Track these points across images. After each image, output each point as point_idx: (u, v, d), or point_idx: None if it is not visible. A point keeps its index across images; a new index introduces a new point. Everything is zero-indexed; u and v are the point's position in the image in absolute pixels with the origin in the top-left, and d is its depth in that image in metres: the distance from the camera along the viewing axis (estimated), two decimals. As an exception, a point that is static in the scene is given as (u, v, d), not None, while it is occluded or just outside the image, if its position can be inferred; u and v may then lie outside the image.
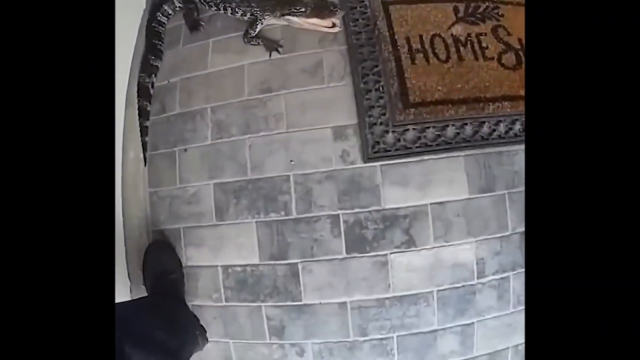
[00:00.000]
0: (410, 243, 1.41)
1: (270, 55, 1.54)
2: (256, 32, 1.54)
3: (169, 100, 1.62)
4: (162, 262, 1.52)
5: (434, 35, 1.54)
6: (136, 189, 1.61)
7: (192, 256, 1.53)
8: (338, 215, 1.43)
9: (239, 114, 1.52)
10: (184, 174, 1.56)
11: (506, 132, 1.48)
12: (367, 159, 1.43)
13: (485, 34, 1.57)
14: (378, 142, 1.43)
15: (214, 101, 1.55)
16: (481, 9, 1.60)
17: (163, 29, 1.69)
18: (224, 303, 1.50)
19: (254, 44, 1.55)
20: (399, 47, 1.50)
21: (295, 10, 1.45)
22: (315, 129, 1.46)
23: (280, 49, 1.54)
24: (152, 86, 1.64)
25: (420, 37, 1.53)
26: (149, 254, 1.55)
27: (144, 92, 1.62)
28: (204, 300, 1.53)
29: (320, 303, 1.43)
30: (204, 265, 1.52)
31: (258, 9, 1.51)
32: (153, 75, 1.63)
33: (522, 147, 1.47)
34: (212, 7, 1.61)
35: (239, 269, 1.48)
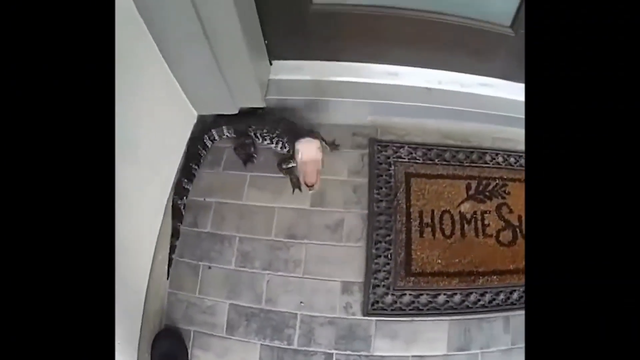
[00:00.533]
0: None
1: (293, 191, 1.82)
2: (288, 167, 1.79)
3: (202, 217, 1.86)
4: (170, 345, 1.71)
5: (444, 212, 1.80)
6: (158, 288, 1.81)
7: (199, 356, 1.74)
8: (332, 354, 1.67)
9: (263, 251, 1.77)
10: (205, 287, 1.76)
11: (490, 302, 1.74)
12: (366, 313, 1.69)
13: (489, 212, 1.84)
14: (377, 302, 1.69)
15: (243, 232, 1.80)
16: (490, 187, 1.86)
17: (205, 152, 1.92)
18: None
19: (284, 174, 1.82)
20: (411, 220, 1.77)
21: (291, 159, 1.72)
22: (327, 280, 1.73)
23: (301, 189, 1.80)
24: (184, 207, 1.84)
25: (432, 212, 1.79)
26: (158, 338, 1.72)
27: (176, 213, 1.80)
28: None
29: None
30: None
31: (288, 143, 1.78)
32: (185, 197, 1.85)
33: (502, 314, 1.73)
34: (265, 140, 1.87)
35: None
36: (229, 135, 1.93)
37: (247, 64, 1.68)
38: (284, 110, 1.98)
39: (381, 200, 1.80)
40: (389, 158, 1.86)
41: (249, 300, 1.72)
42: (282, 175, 1.84)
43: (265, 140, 1.87)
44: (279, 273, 1.75)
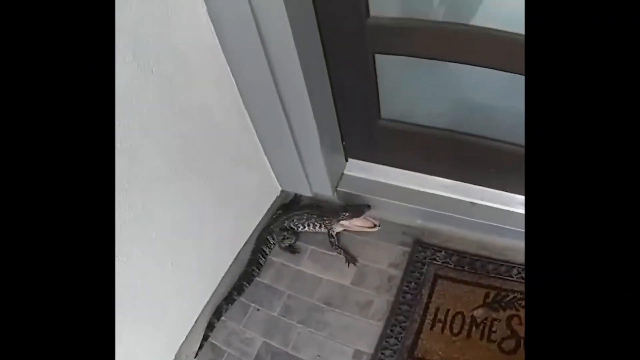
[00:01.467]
0: None
1: (348, 265, 2.26)
2: (336, 241, 2.26)
3: (265, 271, 2.36)
4: None
5: (458, 313, 2.18)
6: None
7: None
8: None
9: (303, 309, 2.18)
10: (249, 323, 2.20)
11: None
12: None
13: (500, 320, 2.13)
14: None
15: (292, 290, 2.25)
16: (508, 298, 2.18)
17: (264, 260, 2.38)
18: None
19: (337, 253, 2.26)
20: (427, 314, 2.18)
21: (341, 217, 2.22)
22: (343, 344, 2.05)
23: (357, 263, 2.27)
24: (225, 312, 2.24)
25: (447, 311, 2.15)
26: None
27: (217, 313, 2.19)
28: None
29: None
30: None
31: (327, 221, 2.26)
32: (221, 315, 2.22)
33: None
34: (304, 227, 2.35)
35: None
36: (275, 241, 2.39)
37: (319, 156, 2.20)
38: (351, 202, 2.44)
39: (408, 293, 2.22)
40: (425, 258, 2.28)
41: (279, 342, 2.11)
42: (336, 253, 2.29)
43: (304, 227, 2.36)
44: (309, 329, 2.11)
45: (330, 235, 2.27)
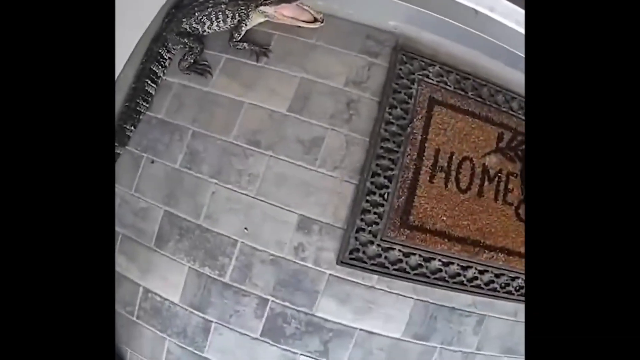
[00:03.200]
0: (323, 354, 1.43)
1: (257, 60, 1.52)
2: (241, 35, 1.52)
3: (158, 99, 1.55)
4: None
5: (465, 158, 1.47)
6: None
7: (121, 264, 1.51)
8: (267, 300, 1.42)
9: (216, 154, 1.48)
10: (142, 184, 1.52)
11: (487, 283, 1.47)
12: (339, 261, 1.36)
13: (517, 175, 1.53)
14: (357, 250, 1.37)
15: (198, 126, 1.50)
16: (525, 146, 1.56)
17: (155, 86, 1.59)
18: (134, 318, 1.52)
19: (240, 48, 1.52)
20: (424, 158, 1.42)
21: (265, 2, 1.47)
22: (282, 208, 1.42)
23: (268, 55, 1.51)
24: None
25: (451, 155, 1.45)
26: None
27: (121, 138, 1.54)
28: (118, 307, 1.53)
29: (219, 363, 1.44)
30: (130, 278, 1.52)
31: (243, 8, 1.50)
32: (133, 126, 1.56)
33: (492, 301, 1.50)
34: (211, 23, 1.56)
35: (158, 298, 1.49)
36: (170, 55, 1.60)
37: None
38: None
39: (392, 123, 1.44)
40: (413, 74, 1.49)
41: (186, 211, 1.48)
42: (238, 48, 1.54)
43: (205, 25, 1.56)
44: (228, 185, 1.47)
45: (237, 28, 1.53)
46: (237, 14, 1.52)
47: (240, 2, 1.50)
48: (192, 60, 1.54)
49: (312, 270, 1.41)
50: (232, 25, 1.55)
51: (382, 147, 1.42)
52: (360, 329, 1.42)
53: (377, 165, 1.40)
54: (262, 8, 1.48)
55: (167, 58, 1.58)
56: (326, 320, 1.41)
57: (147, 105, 1.57)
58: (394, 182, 1.40)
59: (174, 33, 1.56)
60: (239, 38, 1.51)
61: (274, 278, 1.41)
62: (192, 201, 1.47)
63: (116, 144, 1.52)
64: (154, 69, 1.56)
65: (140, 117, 1.56)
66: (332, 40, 1.50)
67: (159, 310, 1.49)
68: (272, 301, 1.42)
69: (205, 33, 1.57)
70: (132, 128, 1.55)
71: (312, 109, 1.47)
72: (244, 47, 1.52)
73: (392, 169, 1.40)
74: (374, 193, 1.39)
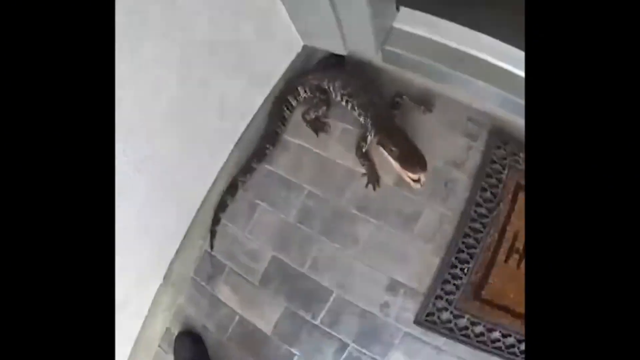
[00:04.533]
0: None
1: (366, 185, 1.66)
2: (366, 148, 1.64)
3: (279, 156, 1.74)
4: (189, 349, 1.70)
5: (537, 243, 1.65)
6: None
7: (224, 293, 1.71)
8: (348, 344, 1.58)
9: (328, 214, 1.65)
10: (256, 229, 1.71)
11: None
12: (417, 321, 1.54)
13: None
14: (433, 314, 1.55)
15: (314, 186, 1.68)
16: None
17: (290, 113, 1.81)
18: (224, 340, 1.72)
19: (361, 163, 1.66)
20: (504, 240, 1.60)
21: (387, 146, 1.55)
22: (376, 270, 1.60)
23: (377, 186, 1.66)
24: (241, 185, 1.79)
25: None
26: (177, 342, 1.73)
27: (232, 190, 1.78)
28: (210, 326, 1.74)
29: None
30: (229, 305, 1.72)
31: (370, 120, 1.61)
32: (248, 176, 1.77)
33: None
34: (343, 101, 1.71)
35: (251, 326, 1.67)
36: (306, 95, 1.76)
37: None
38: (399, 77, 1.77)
39: (480, 205, 1.61)
40: (505, 159, 1.65)
41: (293, 259, 1.67)
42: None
43: (343, 101, 1.69)
44: (333, 243, 1.65)
45: (364, 137, 1.66)
46: (363, 118, 1.64)
47: (369, 115, 1.62)
48: (314, 116, 1.69)
49: (391, 325, 1.57)
50: (353, 113, 1.68)
51: (469, 227, 1.58)
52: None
53: (463, 242, 1.57)
54: (382, 149, 1.58)
55: (301, 95, 1.76)
56: None
57: (284, 128, 1.77)
58: (474, 259, 1.56)
59: (314, 82, 1.73)
60: (364, 150, 1.65)
61: (357, 327, 1.58)
62: (300, 252, 1.66)
63: (255, 159, 1.74)
64: (290, 100, 1.76)
65: (279, 138, 1.76)
66: (437, 121, 1.66)
67: (251, 335, 1.67)
68: (352, 346, 1.57)
69: (335, 99, 1.70)
70: (271, 147, 1.74)
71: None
72: (363, 164, 1.66)
73: (475, 247, 1.57)
74: (456, 267, 1.56)
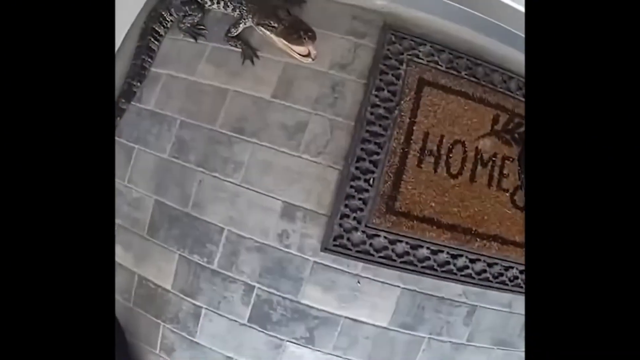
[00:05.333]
0: (309, 340, 1.43)
1: (243, 62, 1.48)
2: (237, 32, 1.48)
3: (148, 91, 1.57)
4: None
5: (457, 142, 1.43)
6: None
7: (118, 254, 1.56)
8: (254, 286, 1.43)
9: (202, 142, 1.48)
10: (135, 175, 1.55)
11: (479, 272, 1.44)
12: (324, 248, 1.35)
13: (513, 160, 1.49)
14: (342, 236, 1.36)
15: (186, 115, 1.51)
16: (522, 129, 1.50)
17: (158, 43, 1.61)
18: (131, 305, 1.57)
19: (232, 45, 1.49)
20: (412, 142, 1.39)
21: (267, 24, 1.39)
22: (266, 195, 1.42)
23: (255, 59, 1.48)
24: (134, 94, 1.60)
25: (442, 137, 1.41)
26: None
27: (128, 94, 1.58)
28: (116, 295, 1.59)
29: (210, 348, 1.49)
30: (125, 266, 1.57)
31: (245, 8, 1.45)
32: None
33: (484, 291, 1.47)
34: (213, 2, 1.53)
35: (152, 285, 1.52)
36: (172, 17, 1.59)
37: None
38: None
39: (378, 106, 1.40)
40: (402, 54, 1.44)
41: (175, 199, 1.51)
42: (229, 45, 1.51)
43: (214, 3, 1.53)
44: (214, 174, 1.48)
45: (235, 24, 1.49)
46: (237, 10, 1.49)
47: (244, 1, 1.47)
48: (189, 24, 1.53)
49: (296, 257, 1.40)
50: (232, 16, 1.50)
51: (367, 131, 1.38)
52: (346, 317, 1.41)
53: (362, 149, 1.37)
54: (261, 28, 1.43)
55: (169, 20, 1.58)
56: (311, 307, 1.41)
57: (152, 62, 1.59)
58: (379, 167, 1.36)
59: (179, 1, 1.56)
60: (234, 34, 1.49)
61: (259, 265, 1.42)
62: (180, 190, 1.49)
63: (123, 100, 1.56)
64: (156, 28, 1.58)
65: (146, 73, 1.59)
66: (316, 22, 1.42)
67: (153, 297, 1.53)
68: (259, 288, 1.42)
69: (207, 6, 1.54)
70: (138, 84, 1.58)
71: (296, 94, 1.44)
72: (236, 45, 1.49)
73: (377, 154, 1.37)
74: (359, 178, 1.36)
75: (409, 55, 1.44)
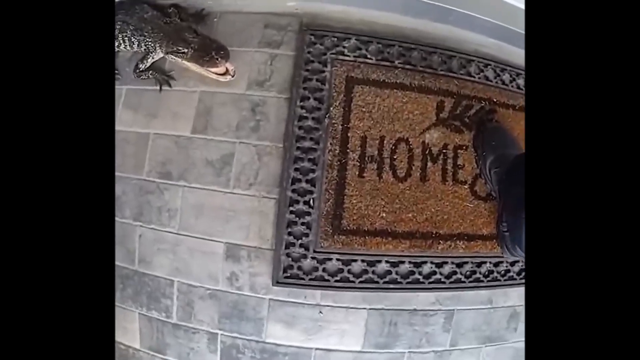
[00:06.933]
0: None
1: (160, 89, 1.38)
2: (146, 66, 1.38)
3: None
4: None
5: (399, 140, 1.32)
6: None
7: None
8: (216, 334, 1.35)
9: (134, 195, 1.39)
10: None
11: (448, 275, 1.35)
12: (276, 282, 1.25)
13: (466, 148, 1.39)
14: (291, 267, 1.26)
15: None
16: (472, 111, 1.39)
17: None
18: None
19: (144, 78, 1.39)
20: (349, 150, 1.28)
21: (177, 51, 1.29)
22: (206, 239, 1.33)
23: (171, 82, 1.38)
24: None
25: (382, 140, 1.30)
26: None
27: None
28: None
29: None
30: None
31: (150, 40, 1.35)
32: None
33: (459, 294, 1.39)
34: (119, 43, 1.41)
35: (123, 346, 1.46)
36: None
37: None
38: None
39: (305, 118, 1.29)
40: (325, 54, 1.32)
41: (122, 258, 1.42)
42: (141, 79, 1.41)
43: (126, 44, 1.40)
44: (151, 226, 1.39)
45: (143, 58, 1.38)
46: (142, 45, 1.37)
47: (146, 34, 1.36)
48: None
49: (250, 298, 1.32)
50: (140, 52, 1.40)
51: (298, 148, 1.27)
52: (317, 349, 1.33)
53: (295, 170, 1.26)
54: (173, 57, 1.33)
55: None
56: (278, 345, 1.33)
57: None
58: (318, 186, 1.26)
59: None
60: (143, 68, 1.38)
61: (216, 312, 1.34)
62: (124, 248, 1.41)
63: None
64: None
65: None
66: (226, 40, 1.31)
67: (127, 358, 1.47)
68: (222, 334, 1.35)
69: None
70: None
71: (216, 124, 1.34)
72: (148, 77, 1.39)
73: (313, 171, 1.26)
74: (298, 202, 1.26)
75: (333, 54, 1.32)
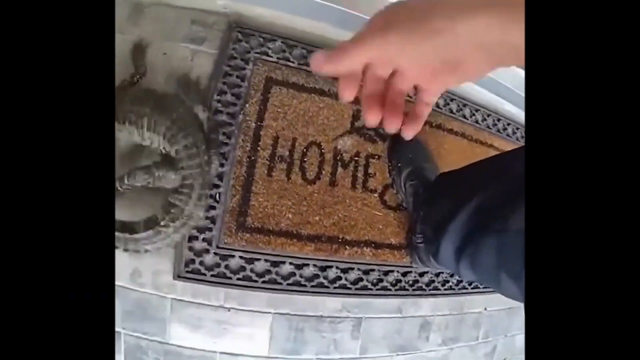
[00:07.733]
0: None
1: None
2: None
3: None
4: None
5: (312, 143, 1.34)
6: None
7: None
8: (120, 332, 1.28)
9: None
10: None
11: (354, 282, 1.37)
12: (177, 276, 1.23)
13: (379, 157, 1.42)
14: (193, 261, 1.25)
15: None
16: (388, 120, 1.43)
17: None
18: None
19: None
20: (259, 148, 1.29)
21: None
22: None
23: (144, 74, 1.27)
24: None
25: (294, 141, 1.32)
26: None
27: None
28: None
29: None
30: None
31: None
32: None
33: (368, 301, 1.40)
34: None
35: None
36: None
37: None
38: None
39: (220, 112, 1.30)
40: (249, 52, 1.34)
41: None
42: None
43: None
44: None
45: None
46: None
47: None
48: None
49: (152, 296, 1.27)
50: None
51: (210, 141, 1.27)
52: (222, 352, 1.30)
53: (206, 160, 1.26)
54: None
55: None
56: (182, 347, 1.29)
57: None
58: (225, 181, 1.26)
59: None
60: None
61: (120, 309, 1.28)
62: None
63: None
64: None
65: None
66: (152, 34, 1.29)
67: None
68: (125, 334, 1.29)
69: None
70: None
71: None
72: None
73: (222, 165, 1.26)
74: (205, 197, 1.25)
75: (257, 53, 1.33)
